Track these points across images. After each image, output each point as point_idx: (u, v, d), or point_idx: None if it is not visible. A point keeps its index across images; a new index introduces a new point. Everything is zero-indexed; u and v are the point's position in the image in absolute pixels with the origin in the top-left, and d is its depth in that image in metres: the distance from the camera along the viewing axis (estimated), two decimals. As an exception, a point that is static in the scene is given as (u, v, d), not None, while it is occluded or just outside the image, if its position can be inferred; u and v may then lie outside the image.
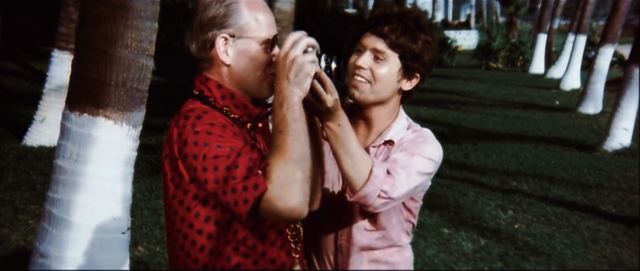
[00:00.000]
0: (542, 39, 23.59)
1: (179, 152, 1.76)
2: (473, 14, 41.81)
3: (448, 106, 14.23)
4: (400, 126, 2.26)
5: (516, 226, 6.32)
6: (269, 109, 1.96)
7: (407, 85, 2.22)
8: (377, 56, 2.16)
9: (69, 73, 3.72)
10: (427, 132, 2.27)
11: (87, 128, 3.50)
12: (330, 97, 1.87)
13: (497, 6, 39.89)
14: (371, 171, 2.01)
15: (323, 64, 1.85)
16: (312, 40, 1.80)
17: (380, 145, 2.24)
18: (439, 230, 6.02)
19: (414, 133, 2.25)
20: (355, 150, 2.00)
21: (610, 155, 9.80)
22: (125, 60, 3.45)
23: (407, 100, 2.29)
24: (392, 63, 2.16)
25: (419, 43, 2.16)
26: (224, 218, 1.79)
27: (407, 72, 2.19)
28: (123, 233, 3.62)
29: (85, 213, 3.52)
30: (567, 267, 5.41)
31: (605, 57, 13.96)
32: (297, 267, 1.94)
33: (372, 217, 2.24)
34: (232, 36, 1.86)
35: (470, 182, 7.72)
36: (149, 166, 7.22)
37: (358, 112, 2.27)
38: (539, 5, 28.41)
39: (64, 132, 3.58)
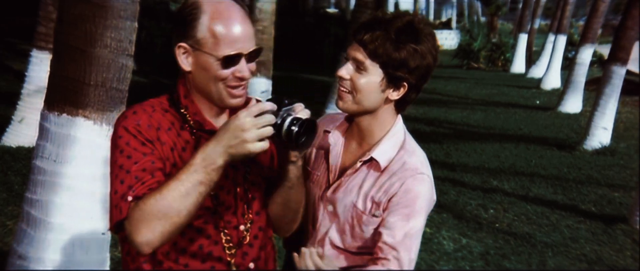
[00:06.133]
0: (523, 38, 23.76)
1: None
2: (454, 14, 41.95)
3: (430, 105, 14.26)
4: (391, 143, 2.15)
5: (497, 225, 6.35)
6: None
7: (395, 95, 2.11)
8: (358, 66, 2.08)
9: (48, 73, 3.68)
10: (419, 163, 2.15)
11: (66, 128, 3.47)
12: None
13: (478, 6, 40.05)
14: None
15: (286, 125, 1.79)
16: (269, 105, 1.75)
17: (364, 164, 2.15)
18: (420, 229, 6.02)
19: (405, 163, 2.13)
20: None
21: (590, 154, 9.87)
22: (105, 60, 3.43)
23: (402, 109, 2.18)
24: (373, 73, 2.07)
25: (402, 52, 2.04)
26: None
27: (391, 81, 2.08)
28: (103, 234, 3.59)
29: (65, 214, 3.49)
30: (547, 266, 5.45)
31: (585, 57, 14.07)
32: None
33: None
34: (192, 47, 1.85)
35: (451, 181, 7.75)
36: (130, 166, 7.16)
37: (354, 122, 2.21)
38: (520, 6, 28.56)
39: (42, 132, 3.54)
